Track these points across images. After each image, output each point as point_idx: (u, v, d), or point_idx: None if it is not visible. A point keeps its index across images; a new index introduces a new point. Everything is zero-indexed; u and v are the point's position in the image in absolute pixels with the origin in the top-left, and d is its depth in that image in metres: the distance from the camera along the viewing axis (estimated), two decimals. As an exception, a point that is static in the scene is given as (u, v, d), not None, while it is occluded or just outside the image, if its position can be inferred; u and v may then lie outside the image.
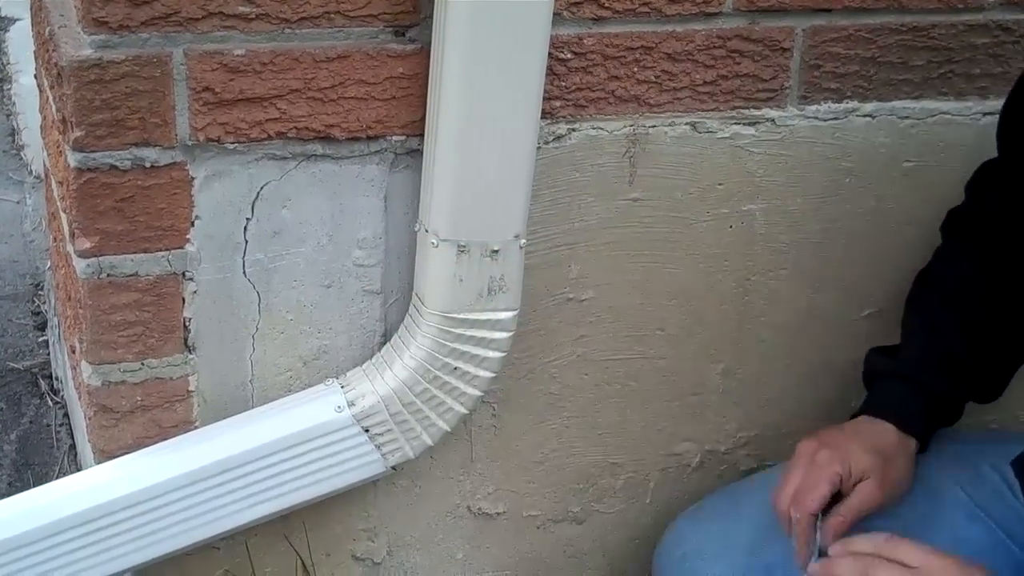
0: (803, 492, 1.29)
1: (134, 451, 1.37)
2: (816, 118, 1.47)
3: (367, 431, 1.37)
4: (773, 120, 1.45)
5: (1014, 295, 1.38)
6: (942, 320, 1.40)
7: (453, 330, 1.34)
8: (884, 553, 1.21)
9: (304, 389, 1.41)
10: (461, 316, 1.34)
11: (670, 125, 1.42)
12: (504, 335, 1.37)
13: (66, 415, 1.90)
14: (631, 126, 1.41)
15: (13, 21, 3.11)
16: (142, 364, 1.35)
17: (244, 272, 1.34)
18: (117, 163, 1.24)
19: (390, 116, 1.31)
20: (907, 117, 1.50)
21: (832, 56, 1.44)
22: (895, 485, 1.33)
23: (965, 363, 1.38)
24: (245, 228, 1.32)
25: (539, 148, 1.34)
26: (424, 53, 1.28)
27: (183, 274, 1.32)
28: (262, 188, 1.31)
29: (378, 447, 1.39)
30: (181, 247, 1.31)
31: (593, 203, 1.44)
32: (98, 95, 1.20)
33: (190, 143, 1.26)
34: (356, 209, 1.35)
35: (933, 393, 1.37)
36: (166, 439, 1.38)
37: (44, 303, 2.13)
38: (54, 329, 1.93)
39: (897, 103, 1.49)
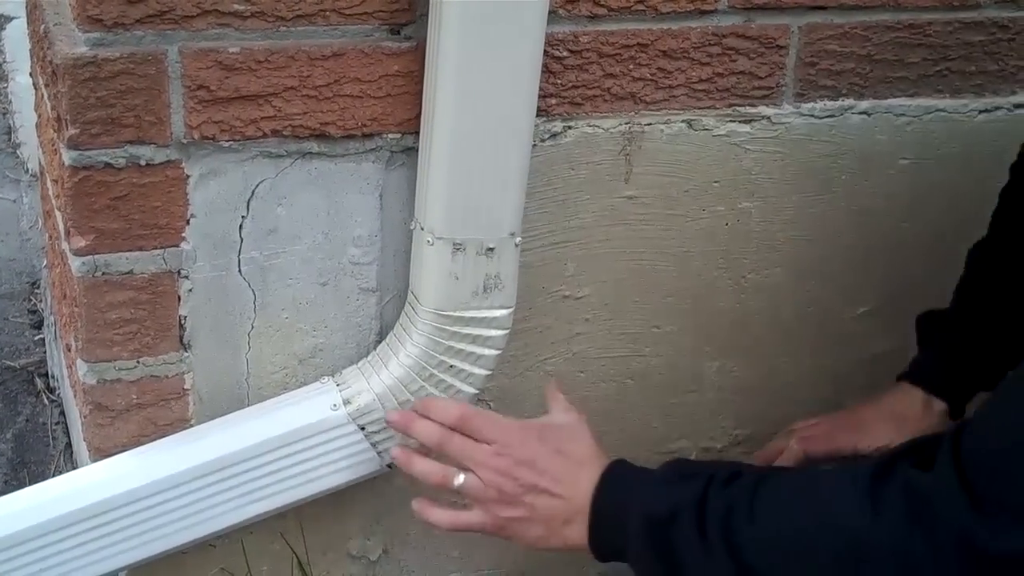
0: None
1: (130, 449, 1.37)
2: (812, 116, 1.47)
3: (363, 429, 1.37)
4: (769, 118, 1.45)
5: None
6: (976, 282, 1.42)
7: (448, 328, 1.34)
8: (460, 428, 1.26)
9: (300, 387, 1.41)
10: (456, 314, 1.34)
11: (666, 123, 1.42)
12: (499, 333, 1.37)
13: (62, 413, 1.90)
14: (627, 124, 1.41)
15: (9, 19, 3.10)
16: (138, 362, 1.34)
17: (240, 270, 1.34)
18: (112, 161, 1.24)
19: (385, 114, 1.31)
20: (903, 115, 1.50)
21: (828, 54, 1.44)
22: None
23: (995, 320, 1.38)
24: (240, 226, 1.32)
25: (535, 146, 1.34)
26: (419, 51, 1.28)
27: (178, 272, 1.32)
28: (257, 186, 1.31)
29: (374, 445, 1.39)
30: (176, 245, 1.30)
31: (589, 201, 1.44)
32: (93, 93, 1.20)
33: (185, 141, 1.26)
34: (352, 207, 1.35)
35: (954, 349, 1.37)
36: (162, 437, 1.38)
37: (40, 301, 2.13)
38: (50, 327, 1.93)
39: (893, 101, 1.49)
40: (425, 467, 1.30)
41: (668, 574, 1.17)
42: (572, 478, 1.23)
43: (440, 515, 1.30)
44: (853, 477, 1.07)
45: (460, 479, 1.26)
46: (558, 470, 1.23)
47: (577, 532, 1.23)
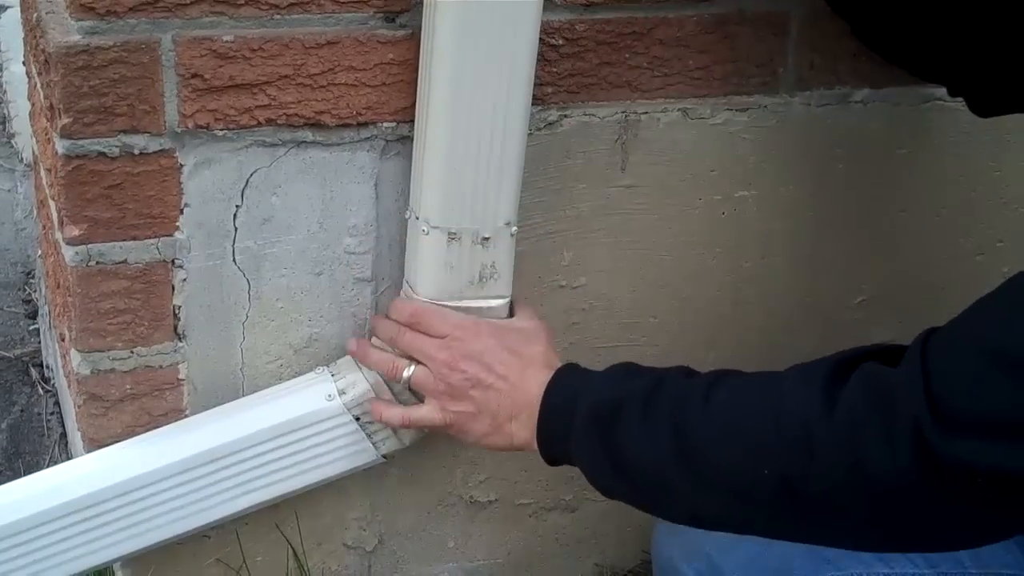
0: None
1: (124, 440, 1.37)
2: (809, 104, 1.46)
3: (358, 419, 1.37)
4: (766, 106, 1.45)
5: None
6: None
7: (444, 318, 1.34)
8: (413, 324, 1.29)
9: (295, 377, 1.41)
10: (452, 304, 1.33)
11: (662, 111, 1.42)
12: (495, 323, 1.36)
13: (57, 403, 1.90)
14: (623, 112, 1.40)
15: (4, 8, 3.08)
16: (132, 352, 1.34)
17: (234, 260, 1.34)
18: (105, 150, 1.23)
19: (380, 102, 1.30)
20: (900, 104, 1.50)
21: (825, 42, 1.43)
22: None
23: None
24: (235, 215, 1.32)
25: (530, 135, 1.33)
26: (415, 39, 1.28)
27: (172, 262, 1.31)
28: (252, 175, 1.30)
29: (369, 435, 1.38)
30: (170, 234, 1.30)
31: (585, 190, 1.43)
32: (86, 81, 1.20)
33: (179, 130, 1.25)
34: (347, 196, 1.35)
35: None
36: (156, 428, 1.37)
37: (35, 291, 2.12)
38: (45, 317, 1.92)
39: (890, 89, 1.48)
40: (377, 357, 1.34)
41: (610, 462, 1.17)
42: (519, 375, 1.25)
43: (392, 412, 1.33)
44: (814, 368, 1.08)
45: (409, 370, 1.30)
46: (506, 366, 1.25)
47: (523, 429, 1.25)
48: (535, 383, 1.24)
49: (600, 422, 1.17)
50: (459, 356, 1.27)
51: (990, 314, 1.02)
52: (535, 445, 1.25)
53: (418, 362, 1.30)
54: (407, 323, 1.31)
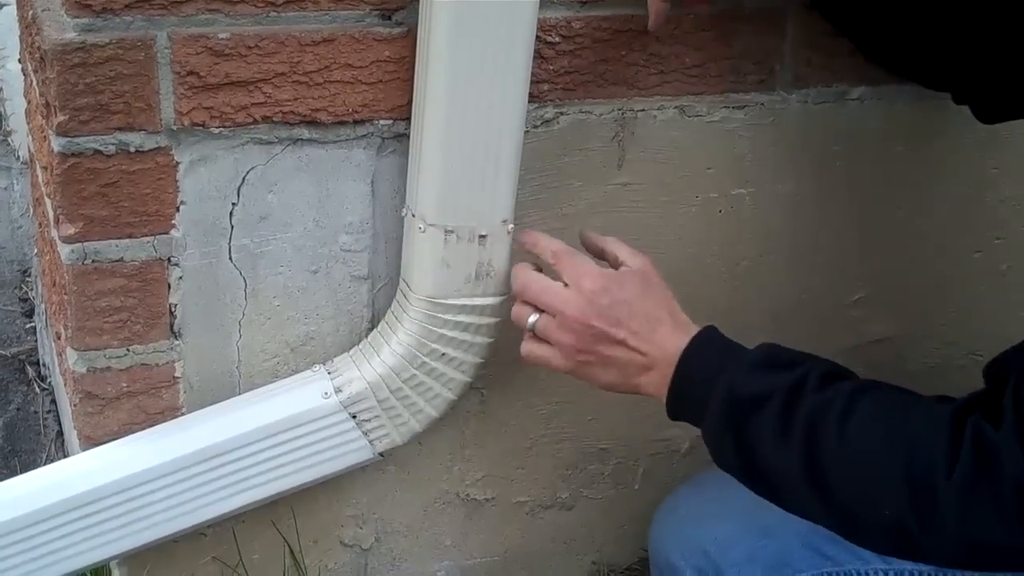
0: None
1: (120, 438, 1.36)
2: (806, 102, 1.46)
3: (355, 417, 1.37)
4: (763, 104, 1.45)
5: None
6: None
7: (440, 315, 1.34)
8: (553, 264, 1.28)
9: (291, 375, 1.41)
10: (449, 301, 1.33)
11: (659, 109, 1.41)
12: (492, 320, 1.36)
13: (53, 402, 1.89)
14: (620, 110, 1.40)
15: (0, 6, 3.09)
16: (128, 350, 1.34)
17: (230, 257, 1.34)
18: (101, 148, 1.23)
19: (377, 100, 1.30)
20: (897, 101, 1.49)
21: (822, 39, 1.43)
22: None
23: None
24: (231, 213, 1.32)
25: (527, 132, 1.33)
26: (410, 36, 1.27)
27: (168, 259, 1.31)
28: (248, 173, 1.30)
29: (366, 433, 1.38)
30: (166, 232, 1.30)
31: (582, 188, 1.43)
32: (82, 79, 1.19)
33: (175, 128, 1.25)
34: (343, 194, 1.34)
35: None
36: (153, 426, 1.37)
37: (31, 289, 2.12)
38: (41, 315, 1.92)
39: (887, 87, 1.48)
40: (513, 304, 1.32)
41: (738, 454, 1.17)
42: (650, 332, 1.23)
43: (523, 344, 1.30)
44: (939, 413, 1.09)
45: (532, 319, 1.28)
46: (637, 321, 1.23)
47: (652, 386, 1.24)
48: (671, 344, 1.22)
49: (736, 414, 1.16)
50: (588, 313, 1.24)
51: None
52: (663, 401, 1.24)
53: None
54: (551, 261, 1.28)
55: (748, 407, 1.16)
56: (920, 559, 1.12)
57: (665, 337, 1.23)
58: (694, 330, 1.24)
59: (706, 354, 1.22)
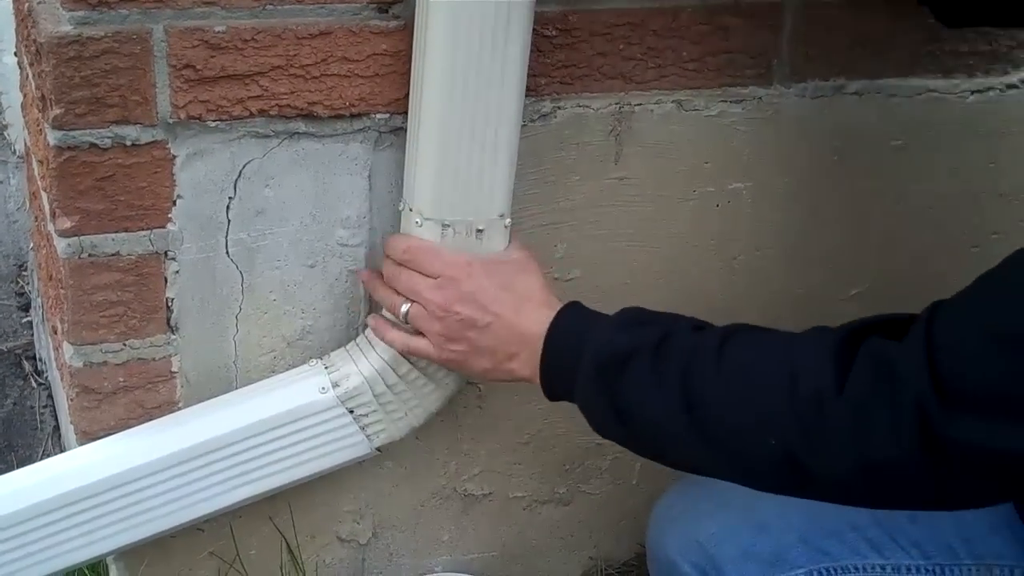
0: None
1: (117, 432, 1.36)
2: (804, 96, 1.46)
3: (351, 412, 1.37)
4: (760, 98, 1.44)
5: None
6: None
7: (438, 310, 1.33)
8: (407, 263, 1.28)
9: (288, 370, 1.40)
10: (446, 296, 1.33)
11: (656, 103, 1.41)
12: (489, 315, 1.36)
13: (50, 396, 1.89)
14: (617, 104, 1.40)
15: (-5, 0, 3.08)
16: (124, 345, 1.34)
17: (227, 252, 1.33)
18: (97, 141, 1.23)
19: (373, 94, 1.30)
20: (895, 95, 1.49)
21: (820, 33, 1.43)
22: None
23: None
24: (227, 207, 1.31)
25: (524, 126, 1.33)
26: (407, 30, 1.27)
27: (165, 254, 1.31)
28: (244, 167, 1.30)
29: (363, 428, 1.38)
30: (163, 226, 1.29)
31: (579, 182, 1.43)
32: (77, 72, 1.19)
33: (171, 121, 1.25)
34: (340, 188, 1.34)
35: None
36: (149, 420, 1.37)
37: (28, 284, 2.12)
38: (37, 310, 1.92)
39: (885, 81, 1.48)
40: (382, 292, 1.33)
41: (615, 416, 1.16)
42: (515, 312, 1.23)
43: (394, 336, 1.32)
44: (825, 338, 1.07)
45: (404, 308, 1.28)
46: (500, 303, 1.24)
47: (525, 367, 1.24)
48: (534, 321, 1.22)
49: (607, 371, 1.16)
50: (452, 298, 1.25)
51: (994, 291, 1.02)
52: (537, 382, 1.24)
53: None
54: (400, 260, 1.29)
55: (617, 365, 1.15)
56: (812, 493, 1.09)
57: (530, 318, 1.23)
58: (559, 306, 1.23)
59: (570, 325, 1.21)
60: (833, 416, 1.03)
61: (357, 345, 1.39)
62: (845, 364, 1.04)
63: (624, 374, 1.14)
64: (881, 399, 1.01)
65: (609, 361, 1.16)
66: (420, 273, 1.28)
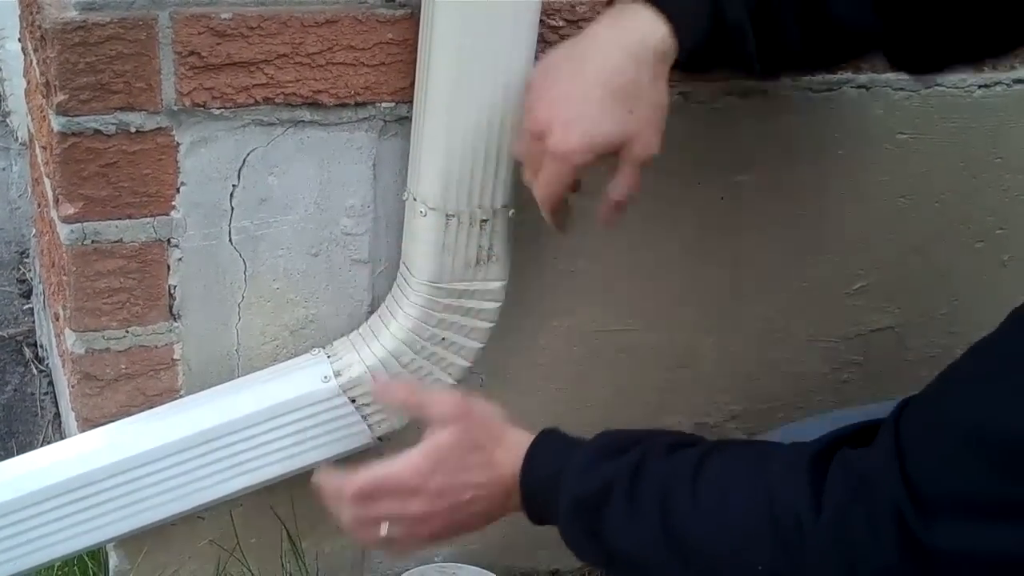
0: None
1: (118, 420, 1.36)
2: (809, 89, 1.46)
3: (354, 401, 1.36)
4: (765, 91, 1.44)
5: None
6: None
7: (441, 300, 1.33)
8: (369, 497, 1.21)
9: (290, 359, 1.40)
10: (449, 286, 1.33)
11: (662, 95, 1.41)
12: (492, 305, 1.36)
13: (51, 383, 1.89)
14: (623, 95, 1.39)
15: (0, -15, 3.08)
16: (126, 332, 1.33)
17: (230, 239, 1.33)
18: (101, 128, 1.22)
19: (379, 82, 1.30)
20: (901, 89, 1.49)
21: (826, 26, 1.43)
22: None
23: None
24: (231, 195, 1.31)
25: (530, 117, 1.32)
26: (414, 19, 1.27)
27: (168, 241, 1.30)
28: (249, 154, 1.30)
29: (365, 417, 1.38)
30: (166, 214, 1.29)
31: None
32: (82, 58, 1.19)
33: (176, 108, 1.24)
34: (344, 177, 1.34)
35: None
36: (151, 408, 1.37)
37: (29, 270, 2.12)
38: (39, 296, 1.92)
39: (891, 75, 1.48)
40: (361, 535, 1.26)
41: (599, 550, 1.15)
42: (489, 471, 1.21)
43: (387, 552, 1.30)
44: (797, 458, 1.05)
45: (383, 530, 1.23)
46: (474, 474, 1.21)
47: (518, 509, 1.22)
48: (508, 465, 1.20)
49: (583, 514, 1.14)
50: (429, 502, 1.20)
51: (958, 387, 0.99)
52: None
53: None
54: (359, 497, 1.22)
55: (593, 503, 1.13)
56: None
57: (504, 459, 1.20)
58: (528, 441, 1.21)
59: (542, 461, 1.19)
60: (814, 536, 1.01)
61: (360, 334, 1.39)
62: (819, 483, 1.02)
63: (602, 515, 1.13)
64: (857, 513, 0.99)
65: (585, 501, 1.14)
66: (384, 500, 1.22)
